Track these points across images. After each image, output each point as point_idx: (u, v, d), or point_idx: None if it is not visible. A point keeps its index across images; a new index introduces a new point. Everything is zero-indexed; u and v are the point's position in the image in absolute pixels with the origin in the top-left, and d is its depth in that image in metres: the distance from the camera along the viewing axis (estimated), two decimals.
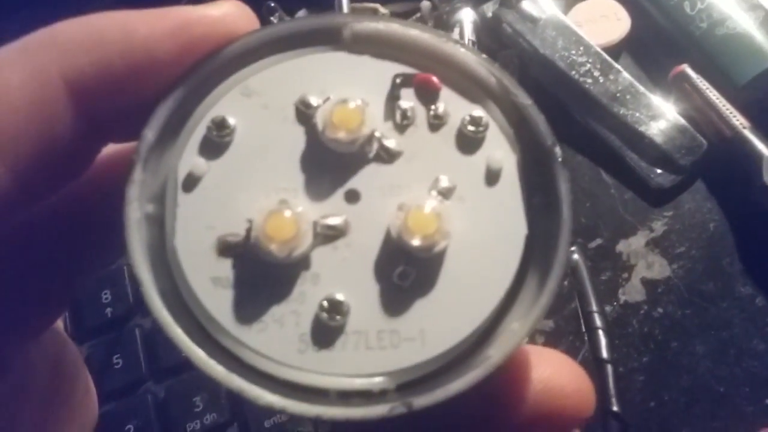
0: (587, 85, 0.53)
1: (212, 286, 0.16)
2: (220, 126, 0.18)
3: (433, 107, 0.18)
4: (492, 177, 0.18)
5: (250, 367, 0.16)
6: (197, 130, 0.18)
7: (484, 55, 0.18)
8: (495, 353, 0.16)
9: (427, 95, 0.18)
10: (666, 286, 0.49)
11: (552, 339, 0.48)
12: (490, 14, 0.57)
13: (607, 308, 0.48)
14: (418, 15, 0.61)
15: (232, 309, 0.16)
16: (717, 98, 0.50)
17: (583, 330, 0.47)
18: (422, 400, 0.16)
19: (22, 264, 0.18)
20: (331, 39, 0.19)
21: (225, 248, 0.17)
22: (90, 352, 0.48)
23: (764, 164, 0.47)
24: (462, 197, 0.18)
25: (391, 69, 0.18)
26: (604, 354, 0.44)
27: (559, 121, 0.53)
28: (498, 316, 0.17)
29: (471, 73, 0.19)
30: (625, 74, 0.53)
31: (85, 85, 0.16)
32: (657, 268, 0.49)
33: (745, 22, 0.51)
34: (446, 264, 0.17)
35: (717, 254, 0.49)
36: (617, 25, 0.57)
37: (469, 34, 0.58)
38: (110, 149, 0.19)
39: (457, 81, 0.19)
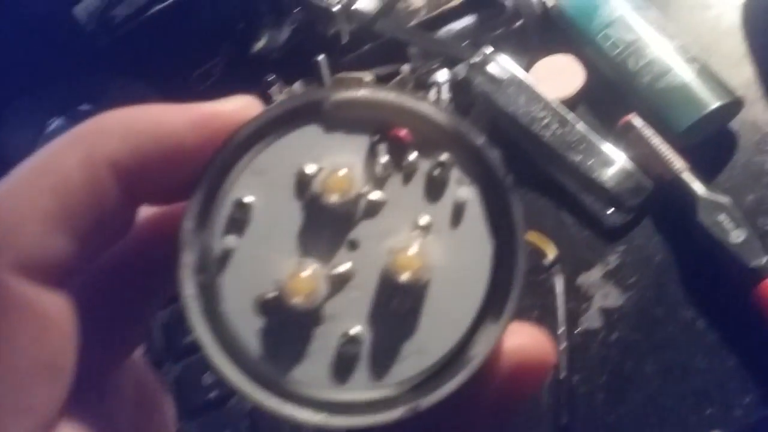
0: (546, 138, 0.60)
1: (256, 336, 0.20)
2: (240, 206, 0.21)
3: (405, 158, 0.21)
4: (459, 209, 0.21)
5: (294, 395, 0.20)
6: (223, 212, 0.21)
7: (441, 105, 0.22)
8: (478, 352, 0.20)
9: (400, 148, 0.21)
10: (620, 314, 0.55)
11: None
12: (461, 76, 0.65)
13: None
14: (400, 77, 0.68)
15: (275, 352, 0.20)
16: (659, 144, 0.57)
17: None
18: (427, 401, 0.20)
19: (101, 303, 0.23)
20: (315, 111, 0.21)
21: (261, 305, 0.21)
22: None
23: (699, 203, 0.54)
24: (439, 230, 0.21)
25: (368, 129, 0.21)
26: (561, 375, 0.51)
27: (525, 169, 0.61)
28: (477, 323, 0.20)
29: (432, 122, 0.21)
30: (579, 126, 0.60)
31: (126, 167, 0.20)
32: (612, 297, 0.56)
33: (682, 75, 0.58)
34: (432, 289, 0.21)
35: (663, 283, 0.55)
36: (573, 79, 0.64)
37: (444, 93, 0.66)
38: (148, 211, 0.23)
39: (423, 131, 0.21)
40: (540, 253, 0.55)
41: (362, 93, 0.21)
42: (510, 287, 0.20)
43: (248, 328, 0.21)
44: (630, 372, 0.53)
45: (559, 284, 0.54)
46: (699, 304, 0.54)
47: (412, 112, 0.21)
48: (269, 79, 0.67)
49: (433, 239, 0.21)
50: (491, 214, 0.21)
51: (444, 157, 0.21)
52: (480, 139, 0.21)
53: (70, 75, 0.66)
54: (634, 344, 0.54)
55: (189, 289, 0.20)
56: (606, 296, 0.56)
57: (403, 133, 0.21)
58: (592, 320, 0.56)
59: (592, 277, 0.57)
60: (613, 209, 0.58)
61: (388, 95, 0.21)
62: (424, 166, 0.21)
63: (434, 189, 0.21)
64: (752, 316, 0.50)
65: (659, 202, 0.57)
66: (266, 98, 0.70)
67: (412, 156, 0.21)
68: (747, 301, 0.51)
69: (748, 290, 0.51)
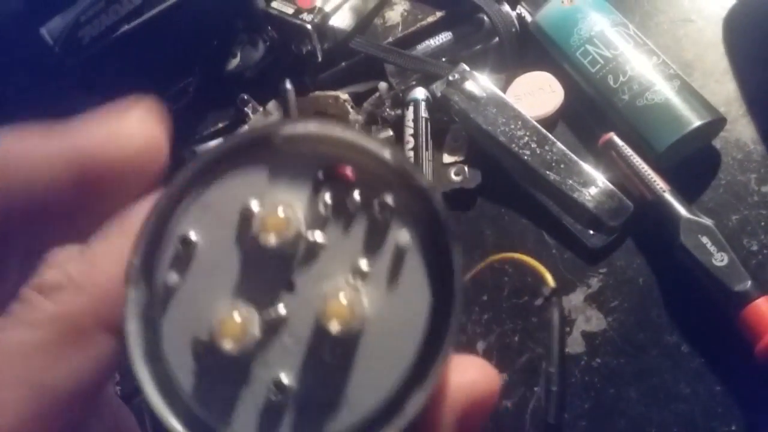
0: (526, 157, 0.59)
1: (191, 379, 0.20)
2: (184, 242, 0.20)
3: (349, 197, 0.20)
4: (399, 255, 0.20)
5: None
6: (169, 249, 0.20)
7: (389, 143, 0.21)
8: (411, 407, 0.19)
9: (345, 186, 0.20)
10: (603, 338, 0.54)
11: (504, 391, 0.53)
12: (439, 94, 0.63)
13: None
14: (377, 95, 0.67)
15: (208, 396, 0.20)
16: (640, 164, 0.56)
17: (539, 385, 0.53)
18: None
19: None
20: (266, 145, 0.21)
21: (197, 347, 0.20)
22: None
23: (681, 225, 0.52)
24: (376, 277, 0.20)
25: (315, 166, 0.21)
26: (551, 419, 0.49)
27: (505, 188, 0.59)
28: (411, 377, 0.20)
29: (377, 160, 0.21)
30: (559, 145, 0.59)
31: None
32: (594, 321, 0.55)
33: (663, 92, 0.56)
34: (365, 338, 0.20)
35: (646, 307, 0.54)
36: (552, 96, 0.63)
37: (422, 111, 0.64)
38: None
39: (368, 169, 0.21)
40: (540, 278, 0.53)
41: (310, 127, 0.21)
42: (443, 339, 0.20)
43: (184, 370, 0.20)
44: (613, 398, 0.52)
45: (555, 319, 0.52)
46: (683, 328, 0.53)
47: (357, 148, 0.21)
48: (245, 97, 0.66)
49: (370, 286, 0.20)
50: (432, 261, 0.20)
51: (388, 198, 0.20)
52: (424, 181, 0.20)
53: (41, 96, 0.64)
54: (617, 369, 0.53)
55: (132, 325, 0.20)
56: (588, 320, 0.55)
57: (348, 170, 0.20)
58: (574, 345, 0.54)
59: (574, 300, 0.56)
60: (594, 231, 0.57)
61: (333, 130, 0.21)
62: (367, 206, 0.20)
63: (375, 232, 0.20)
64: (737, 341, 0.49)
65: (641, 224, 0.56)
66: (241, 117, 0.68)
67: (356, 195, 0.20)
68: (732, 325, 0.49)
69: (733, 314, 0.49)
